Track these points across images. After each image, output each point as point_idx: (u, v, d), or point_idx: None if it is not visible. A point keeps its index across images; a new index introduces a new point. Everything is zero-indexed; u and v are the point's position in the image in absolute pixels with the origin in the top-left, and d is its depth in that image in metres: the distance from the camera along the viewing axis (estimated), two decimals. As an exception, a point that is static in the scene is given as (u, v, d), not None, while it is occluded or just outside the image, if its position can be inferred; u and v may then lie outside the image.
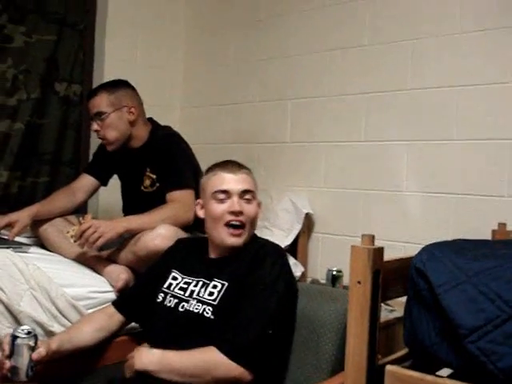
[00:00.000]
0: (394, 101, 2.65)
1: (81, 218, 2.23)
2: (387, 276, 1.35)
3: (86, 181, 2.58)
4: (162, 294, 1.76)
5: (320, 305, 1.67)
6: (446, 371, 1.29)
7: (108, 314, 1.83)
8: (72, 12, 3.22)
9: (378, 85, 2.70)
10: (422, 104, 2.56)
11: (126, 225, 2.18)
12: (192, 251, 1.86)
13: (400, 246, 2.40)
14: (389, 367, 1.29)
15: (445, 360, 1.25)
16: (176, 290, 1.73)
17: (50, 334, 1.87)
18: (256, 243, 1.75)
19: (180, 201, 2.24)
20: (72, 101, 3.25)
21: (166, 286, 1.77)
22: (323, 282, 2.53)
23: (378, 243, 1.34)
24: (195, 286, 1.70)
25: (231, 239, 1.69)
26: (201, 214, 1.80)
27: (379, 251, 1.31)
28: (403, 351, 1.43)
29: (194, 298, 1.66)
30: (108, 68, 3.24)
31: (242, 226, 1.69)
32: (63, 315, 1.93)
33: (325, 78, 2.91)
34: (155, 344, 1.63)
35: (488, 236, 1.97)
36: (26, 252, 2.15)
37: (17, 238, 2.35)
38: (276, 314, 1.59)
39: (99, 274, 2.21)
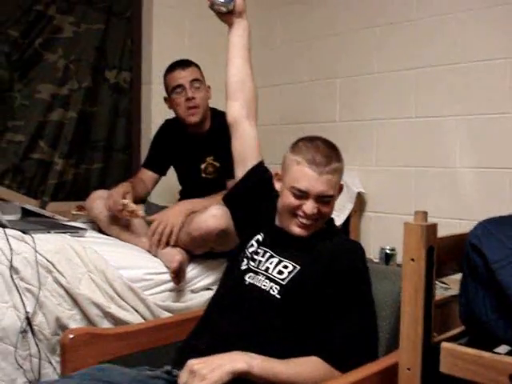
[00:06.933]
0: (445, 75, 2.59)
1: (147, 218, 2.29)
2: (441, 253, 1.32)
3: (147, 175, 2.63)
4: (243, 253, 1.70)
5: (374, 283, 1.65)
6: (503, 348, 1.27)
7: None
8: (118, 0, 3.26)
9: (429, 59, 2.64)
10: (473, 78, 2.49)
11: (191, 207, 2.26)
12: None
13: (454, 224, 2.36)
14: (444, 344, 1.27)
15: (502, 337, 1.23)
16: (249, 251, 1.67)
17: (107, 314, 1.93)
18: (332, 233, 1.68)
19: None
20: (122, 88, 3.30)
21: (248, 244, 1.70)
22: (376, 261, 2.51)
23: (431, 221, 1.31)
24: (262, 256, 1.63)
25: (297, 229, 1.60)
26: (277, 187, 1.68)
27: (433, 228, 1.29)
28: (459, 329, 1.41)
29: (263, 274, 1.59)
30: (156, 54, 3.26)
31: (311, 223, 1.60)
32: (120, 297, 1.98)
33: (373, 55, 2.86)
34: (215, 305, 1.64)
35: (546, 211, 1.92)
36: (82, 236, 2.19)
37: (73, 223, 2.41)
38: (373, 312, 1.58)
39: (154, 255, 2.25)
